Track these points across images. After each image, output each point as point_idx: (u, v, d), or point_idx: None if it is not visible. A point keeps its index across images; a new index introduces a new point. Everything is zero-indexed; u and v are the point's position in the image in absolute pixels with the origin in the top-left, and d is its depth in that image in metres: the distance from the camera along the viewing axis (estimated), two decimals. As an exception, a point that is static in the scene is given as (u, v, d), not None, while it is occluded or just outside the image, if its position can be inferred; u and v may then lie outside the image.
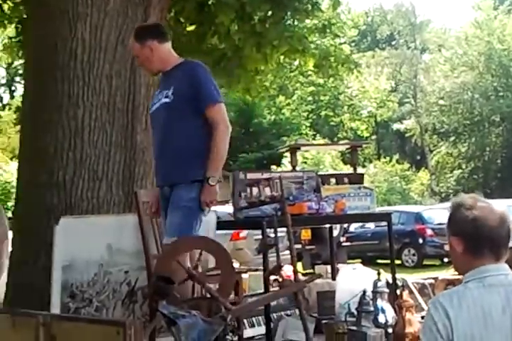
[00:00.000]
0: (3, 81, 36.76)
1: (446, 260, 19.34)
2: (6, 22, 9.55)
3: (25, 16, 8.37)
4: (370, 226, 20.12)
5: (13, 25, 9.73)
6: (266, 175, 6.35)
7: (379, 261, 17.52)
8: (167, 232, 4.82)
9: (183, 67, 5.06)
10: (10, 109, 22.65)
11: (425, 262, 19.54)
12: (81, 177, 5.89)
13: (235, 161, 36.16)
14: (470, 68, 43.47)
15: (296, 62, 12.67)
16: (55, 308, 5.00)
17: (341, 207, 6.60)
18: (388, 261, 6.94)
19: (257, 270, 7.57)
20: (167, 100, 4.93)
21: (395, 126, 47.77)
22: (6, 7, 9.20)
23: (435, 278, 8.35)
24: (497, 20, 43.40)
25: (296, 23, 9.61)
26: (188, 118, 4.90)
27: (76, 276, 5.14)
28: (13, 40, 10.15)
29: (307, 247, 14.32)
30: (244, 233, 12.08)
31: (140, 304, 5.42)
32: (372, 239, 19.43)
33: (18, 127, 6.30)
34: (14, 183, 6.70)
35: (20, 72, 25.57)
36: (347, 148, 9.70)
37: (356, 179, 7.65)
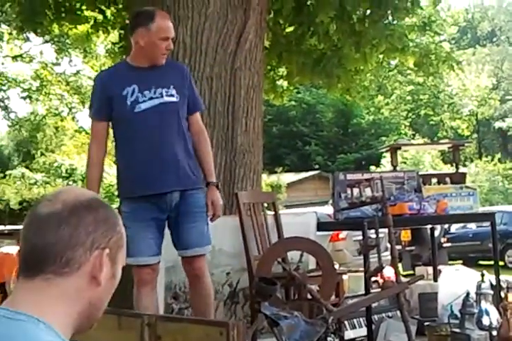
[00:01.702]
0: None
1: (551, 261, 18.92)
2: (109, 28, 9.75)
3: (127, 22, 8.54)
4: (472, 226, 19.80)
5: (116, 31, 9.93)
6: (366, 176, 6.32)
7: (481, 262, 17.21)
8: (200, 241, 4.55)
9: (172, 65, 4.83)
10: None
11: (529, 263, 19.11)
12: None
13: (334, 162, 36.14)
14: None
15: (395, 61, 12.56)
16: (160, 309, 5.08)
17: (443, 207, 6.51)
18: (490, 262, 6.82)
19: (357, 271, 7.54)
20: (174, 99, 4.60)
21: (497, 124, 46.82)
22: (108, 13, 9.39)
23: (541, 280, 8.16)
24: None
25: (395, 21, 9.52)
26: (185, 121, 4.72)
27: (179, 277, 5.21)
28: (116, 45, 10.36)
29: (407, 248, 14.19)
30: (343, 234, 12.04)
31: (242, 305, 5.46)
32: (474, 240, 19.12)
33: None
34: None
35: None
36: (448, 148, 9.53)
37: (458, 178, 7.52)
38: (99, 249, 1.62)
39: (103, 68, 22.01)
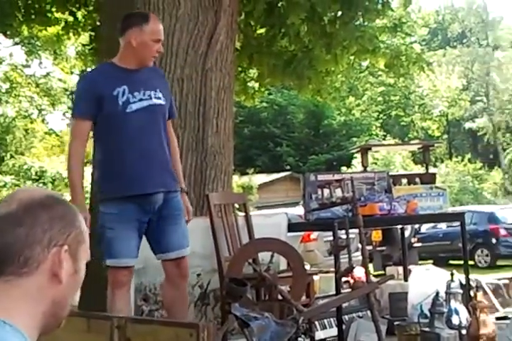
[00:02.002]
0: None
1: (521, 260, 19.09)
2: (79, 30, 9.73)
3: (98, 24, 8.51)
4: (442, 226, 19.93)
5: (87, 33, 9.90)
6: (337, 177, 6.34)
7: (451, 261, 17.32)
8: (183, 242, 4.62)
9: (153, 69, 4.87)
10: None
11: (499, 262, 19.25)
12: (153, 180, 5.95)
13: (305, 163, 36.19)
14: (544, 65, 42.78)
15: (366, 63, 12.62)
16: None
17: (413, 207, 6.55)
18: (460, 262, 6.87)
19: (327, 272, 7.57)
20: (161, 102, 4.65)
21: (467, 125, 47.15)
22: (79, 15, 9.36)
23: (510, 279, 8.23)
24: None
25: (366, 22, 9.56)
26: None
27: (150, 279, 5.21)
28: (87, 47, 10.32)
29: (378, 248, 14.26)
30: (314, 235, 12.08)
31: (212, 306, 5.46)
32: (444, 240, 19.25)
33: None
34: (89, 188, 6.77)
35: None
36: (418, 148, 9.60)
37: (428, 179, 7.57)
38: (57, 246, 1.62)
39: (73, 70, 21.95)
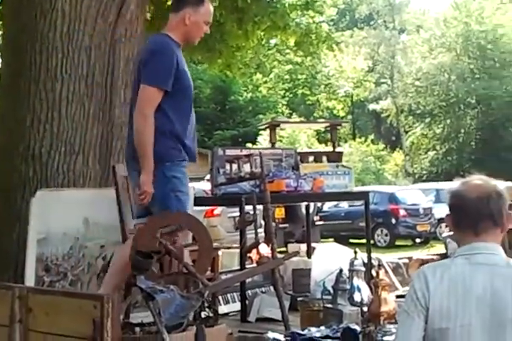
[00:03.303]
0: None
1: (418, 240, 19.53)
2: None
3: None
4: (344, 205, 20.24)
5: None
6: (245, 152, 6.33)
7: (351, 240, 17.60)
8: None
9: None
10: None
11: (397, 242, 19.70)
12: (57, 150, 5.82)
13: (210, 138, 36.10)
14: (447, 50, 43.58)
15: (275, 41, 12.62)
16: (30, 281, 4.97)
17: (319, 184, 6.60)
18: (361, 241, 6.98)
19: (230, 248, 7.58)
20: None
21: (371, 107, 47.79)
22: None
23: (409, 258, 8.41)
24: (475, 2, 43.45)
25: (276, -1, 9.55)
26: None
27: (51, 249, 5.11)
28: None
29: (280, 226, 14.35)
30: (218, 210, 12.05)
31: (115, 278, 5.39)
32: (345, 219, 19.55)
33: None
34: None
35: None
36: (325, 127, 9.67)
37: (335, 157, 7.65)
38: None
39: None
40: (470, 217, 2.80)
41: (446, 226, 3.15)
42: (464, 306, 2.68)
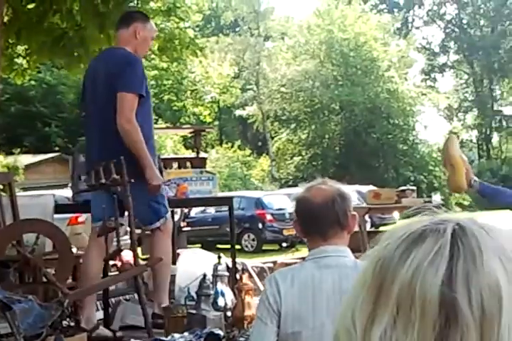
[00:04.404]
0: None
1: (284, 245, 19.77)
2: None
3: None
4: (211, 211, 20.29)
5: None
6: (107, 158, 6.23)
7: (219, 246, 17.66)
8: None
9: None
10: None
11: (264, 247, 19.89)
12: None
13: (74, 145, 35.56)
14: (311, 56, 44.34)
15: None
16: None
17: (183, 190, 6.59)
18: (228, 246, 7.00)
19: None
20: None
21: (238, 112, 48.10)
22: None
23: (274, 262, 8.50)
24: (338, 10, 44.35)
25: (140, 4, 9.48)
26: None
27: None
28: None
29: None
30: (83, 217, 11.86)
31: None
32: (212, 224, 19.60)
33: None
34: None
35: None
36: (190, 133, 9.67)
37: (199, 163, 7.64)
38: None
39: None
40: (317, 223, 2.85)
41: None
42: (314, 308, 2.72)
